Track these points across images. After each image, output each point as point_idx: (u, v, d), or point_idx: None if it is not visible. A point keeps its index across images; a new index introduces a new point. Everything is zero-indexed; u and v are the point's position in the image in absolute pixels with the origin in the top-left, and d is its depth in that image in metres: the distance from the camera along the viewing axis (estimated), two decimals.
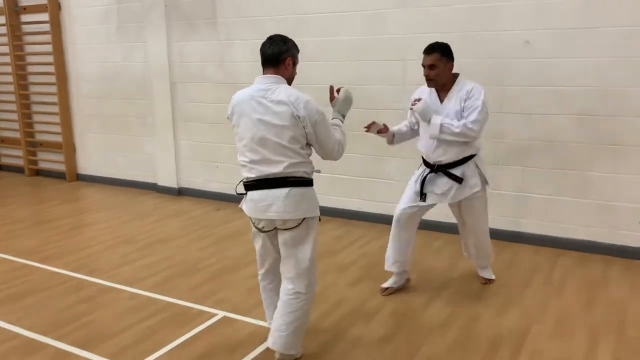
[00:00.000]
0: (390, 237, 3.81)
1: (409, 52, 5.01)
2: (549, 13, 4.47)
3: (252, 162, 2.83)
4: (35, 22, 7.32)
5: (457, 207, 3.83)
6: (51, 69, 7.29)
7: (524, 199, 4.83)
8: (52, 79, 7.31)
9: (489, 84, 4.78)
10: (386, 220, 5.32)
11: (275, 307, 3.00)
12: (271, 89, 2.79)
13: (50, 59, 7.27)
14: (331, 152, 2.95)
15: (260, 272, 3.14)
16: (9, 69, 7.65)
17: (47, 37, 7.23)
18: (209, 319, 3.51)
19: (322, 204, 5.51)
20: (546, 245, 4.74)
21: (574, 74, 4.46)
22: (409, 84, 5.06)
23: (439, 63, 3.55)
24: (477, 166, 3.67)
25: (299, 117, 2.73)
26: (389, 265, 3.83)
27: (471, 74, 4.83)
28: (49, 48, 7.24)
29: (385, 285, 3.89)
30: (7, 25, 7.44)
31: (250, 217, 2.94)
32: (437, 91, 3.70)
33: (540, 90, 4.61)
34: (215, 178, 6.42)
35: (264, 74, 2.89)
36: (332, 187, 5.65)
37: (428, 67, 3.58)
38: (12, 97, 7.74)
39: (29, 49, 7.62)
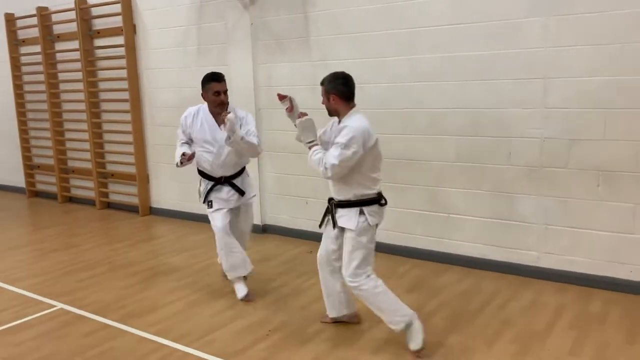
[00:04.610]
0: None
1: (551, 68, 4.16)
2: None
3: (380, 175, 3.38)
4: (109, 47, 6.89)
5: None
6: (125, 95, 6.80)
7: None
8: (126, 106, 6.82)
9: None
10: (517, 270, 4.49)
11: None
12: None
13: (123, 84, 6.79)
14: None
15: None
16: (82, 96, 7.23)
17: (121, 62, 6.77)
18: None
19: (436, 248, 4.72)
20: None
21: None
22: (551, 106, 4.19)
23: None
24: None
25: None
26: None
27: (634, 96, 3.94)
28: (122, 73, 6.78)
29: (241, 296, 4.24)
30: (80, 50, 7.04)
31: (377, 224, 3.36)
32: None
33: None
34: (305, 215, 5.68)
35: (352, 106, 3.39)
36: (450, 229, 4.82)
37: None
38: (85, 126, 7.30)
39: (101, 74, 7.19)
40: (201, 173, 4.26)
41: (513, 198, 4.47)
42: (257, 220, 6.01)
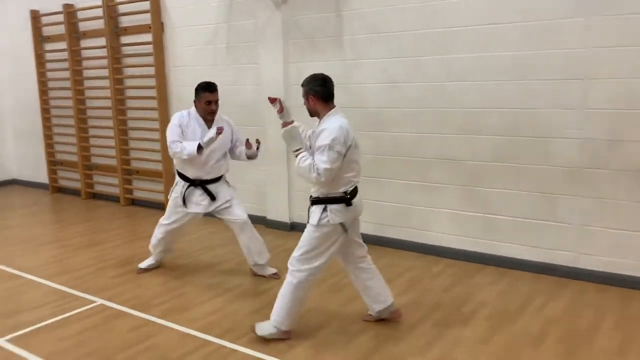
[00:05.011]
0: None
1: (593, 69, 4.15)
2: None
3: (357, 175, 3.41)
4: (137, 44, 6.91)
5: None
6: (152, 92, 6.83)
7: None
8: (153, 103, 6.85)
9: None
10: (553, 271, 4.48)
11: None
12: None
13: (151, 82, 6.82)
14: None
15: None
16: (107, 93, 7.26)
17: (148, 60, 6.80)
18: None
19: (470, 248, 4.71)
20: None
21: None
22: (591, 107, 4.19)
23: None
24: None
25: None
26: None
27: None
28: (149, 71, 6.80)
29: (142, 266, 4.86)
30: (107, 47, 7.06)
31: (343, 224, 3.34)
32: None
33: None
34: None
35: (332, 107, 3.44)
36: (484, 229, 4.81)
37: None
38: (110, 123, 7.34)
39: (127, 72, 7.21)
40: (179, 174, 4.53)
41: (550, 198, 4.46)
42: (285, 218, 6.05)
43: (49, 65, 8.11)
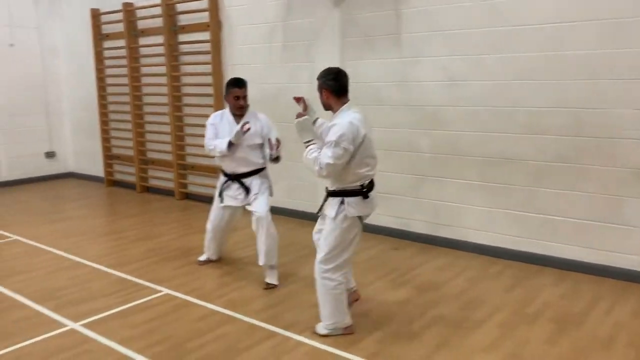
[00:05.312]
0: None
1: None
2: None
3: (372, 169, 3.45)
4: (195, 42, 7.07)
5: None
6: (209, 90, 6.97)
7: None
8: (210, 100, 6.99)
9: None
10: (616, 274, 4.39)
11: None
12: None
13: (208, 79, 6.96)
14: None
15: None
16: (164, 90, 7.45)
17: (205, 57, 6.94)
18: None
19: (528, 249, 4.63)
20: None
21: None
22: None
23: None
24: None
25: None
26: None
27: None
28: (207, 69, 6.95)
29: (201, 259, 5.01)
30: (165, 45, 7.25)
31: (360, 216, 3.41)
32: None
33: None
34: (389, 212, 5.69)
35: (345, 101, 3.40)
36: (545, 230, 4.75)
37: None
38: (166, 119, 7.53)
39: (184, 69, 7.38)
40: (221, 169, 4.72)
41: (615, 200, 4.37)
42: None
43: (107, 63, 8.38)
